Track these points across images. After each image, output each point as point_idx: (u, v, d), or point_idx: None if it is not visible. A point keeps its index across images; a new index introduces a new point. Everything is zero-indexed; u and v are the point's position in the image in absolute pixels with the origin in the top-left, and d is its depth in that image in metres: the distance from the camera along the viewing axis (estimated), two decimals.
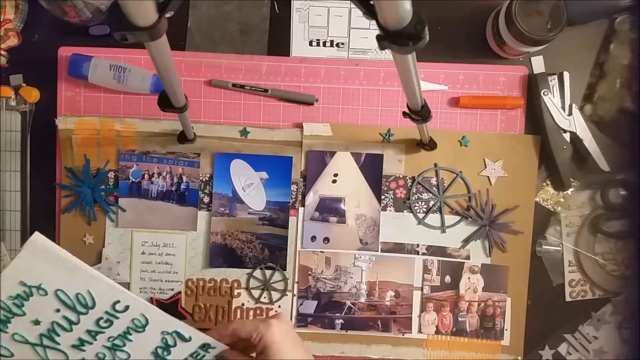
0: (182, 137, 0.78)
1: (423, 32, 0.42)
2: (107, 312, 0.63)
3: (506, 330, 0.82)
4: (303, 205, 0.82)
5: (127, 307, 0.63)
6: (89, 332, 0.63)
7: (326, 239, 0.82)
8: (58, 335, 0.64)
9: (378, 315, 0.82)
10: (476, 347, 0.82)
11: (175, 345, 0.66)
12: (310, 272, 0.82)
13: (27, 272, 0.61)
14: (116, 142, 0.81)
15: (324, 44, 0.82)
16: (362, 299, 0.81)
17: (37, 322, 0.63)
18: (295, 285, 0.82)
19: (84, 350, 0.64)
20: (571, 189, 0.82)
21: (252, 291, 0.82)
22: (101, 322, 0.63)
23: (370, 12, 0.42)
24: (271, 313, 0.82)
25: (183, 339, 0.65)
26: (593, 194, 0.82)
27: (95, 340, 0.64)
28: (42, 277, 0.61)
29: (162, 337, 0.65)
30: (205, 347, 0.66)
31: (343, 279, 0.82)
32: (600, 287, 0.82)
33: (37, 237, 0.59)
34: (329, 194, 0.81)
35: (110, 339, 0.64)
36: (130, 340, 0.65)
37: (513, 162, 0.81)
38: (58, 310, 0.62)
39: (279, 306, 0.82)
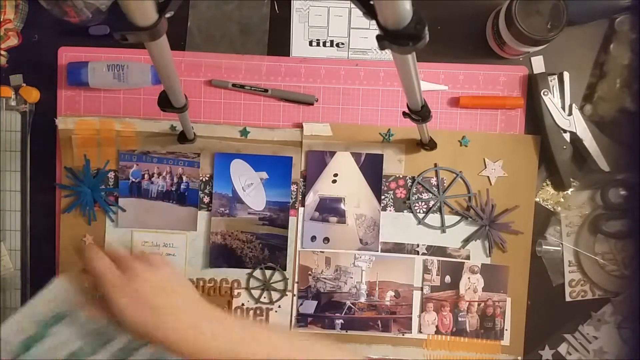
0: (182, 137, 0.78)
1: (423, 32, 0.42)
2: None
3: (506, 330, 0.82)
4: (303, 205, 0.82)
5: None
6: None
7: (326, 239, 0.82)
8: None
9: (378, 315, 0.81)
10: (476, 347, 0.82)
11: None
12: (310, 272, 0.82)
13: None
14: (116, 142, 0.81)
15: (324, 44, 0.82)
16: (362, 299, 0.81)
17: None
18: (295, 285, 0.82)
19: None
20: (571, 189, 0.82)
21: (252, 291, 0.82)
22: None
23: (370, 12, 0.42)
24: (271, 313, 0.82)
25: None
26: (593, 194, 0.82)
27: None
28: None
29: None
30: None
31: (343, 279, 0.82)
32: (600, 287, 0.82)
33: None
34: (329, 194, 0.81)
35: None
36: None
37: (513, 162, 0.81)
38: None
39: (279, 306, 0.82)
